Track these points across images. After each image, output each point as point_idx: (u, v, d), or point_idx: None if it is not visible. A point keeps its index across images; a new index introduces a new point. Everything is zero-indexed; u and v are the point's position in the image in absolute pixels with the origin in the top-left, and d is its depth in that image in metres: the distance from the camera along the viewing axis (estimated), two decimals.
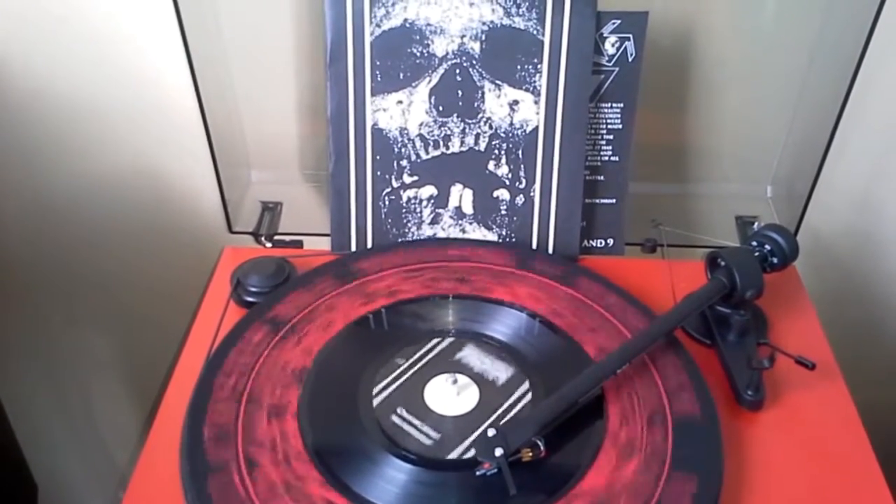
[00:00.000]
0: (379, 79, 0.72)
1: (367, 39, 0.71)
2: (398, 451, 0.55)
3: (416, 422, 0.57)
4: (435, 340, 0.64)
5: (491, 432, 0.53)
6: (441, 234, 0.75)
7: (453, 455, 0.55)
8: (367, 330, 0.66)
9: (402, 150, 0.73)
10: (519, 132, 0.73)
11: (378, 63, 0.71)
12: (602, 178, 0.76)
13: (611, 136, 0.75)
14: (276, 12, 0.78)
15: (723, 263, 0.66)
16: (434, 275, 0.70)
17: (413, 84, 0.72)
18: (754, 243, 0.68)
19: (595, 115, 0.74)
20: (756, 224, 0.81)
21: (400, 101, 0.72)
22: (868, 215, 0.93)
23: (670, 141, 0.84)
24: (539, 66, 0.71)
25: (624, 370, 0.59)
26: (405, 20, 0.70)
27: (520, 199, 0.74)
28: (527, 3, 0.70)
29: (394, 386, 0.60)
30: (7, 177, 0.92)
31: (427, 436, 0.56)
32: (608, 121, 0.74)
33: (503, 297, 0.68)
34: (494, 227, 0.75)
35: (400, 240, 0.75)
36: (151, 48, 0.83)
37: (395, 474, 0.53)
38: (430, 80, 0.72)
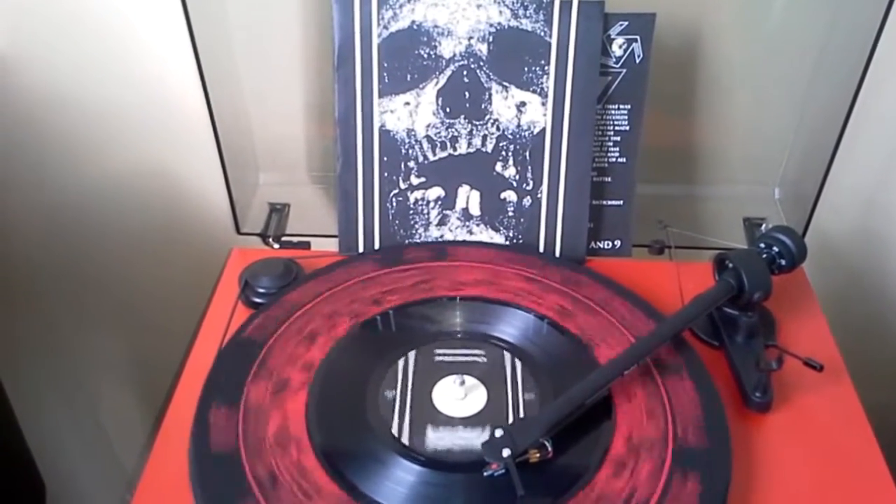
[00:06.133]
0: (386, 80, 0.72)
1: (375, 41, 0.71)
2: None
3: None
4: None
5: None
6: (448, 236, 0.75)
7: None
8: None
9: (410, 151, 0.74)
10: (526, 134, 0.73)
11: (386, 65, 0.71)
12: (609, 179, 0.76)
13: (618, 138, 0.75)
14: (283, 14, 0.78)
15: (731, 265, 0.66)
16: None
17: (420, 86, 0.72)
18: (762, 245, 0.68)
19: (602, 116, 0.74)
20: (764, 226, 0.81)
21: (407, 103, 0.72)
22: (876, 216, 0.92)
23: (678, 142, 0.84)
24: (546, 68, 0.71)
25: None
26: (413, 22, 0.71)
27: (527, 201, 0.74)
28: (534, 5, 0.70)
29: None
30: (16, 178, 0.93)
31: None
32: (615, 122, 0.74)
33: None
34: (501, 228, 0.75)
35: (407, 241, 0.75)
36: (160, 50, 0.83)
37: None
38: (437, 82, 0.72)
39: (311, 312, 0.66)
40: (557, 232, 0.75)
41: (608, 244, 0.77)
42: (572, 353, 0.63)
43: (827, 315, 0.71)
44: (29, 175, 0.92)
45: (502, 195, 0.75)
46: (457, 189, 0.75)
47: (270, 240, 0.80)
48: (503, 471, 0.52)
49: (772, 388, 0.61)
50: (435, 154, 0.74)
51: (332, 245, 0.76)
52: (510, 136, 0.73)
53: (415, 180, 0.74)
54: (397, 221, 0.75)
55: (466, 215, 0.75)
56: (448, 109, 0.73)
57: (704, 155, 0.85)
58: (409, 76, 0.72)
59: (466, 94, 0.72)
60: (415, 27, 0.71)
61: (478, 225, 0.75)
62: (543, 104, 0.72)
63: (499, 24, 0.71)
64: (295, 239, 0.80)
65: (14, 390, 0.96)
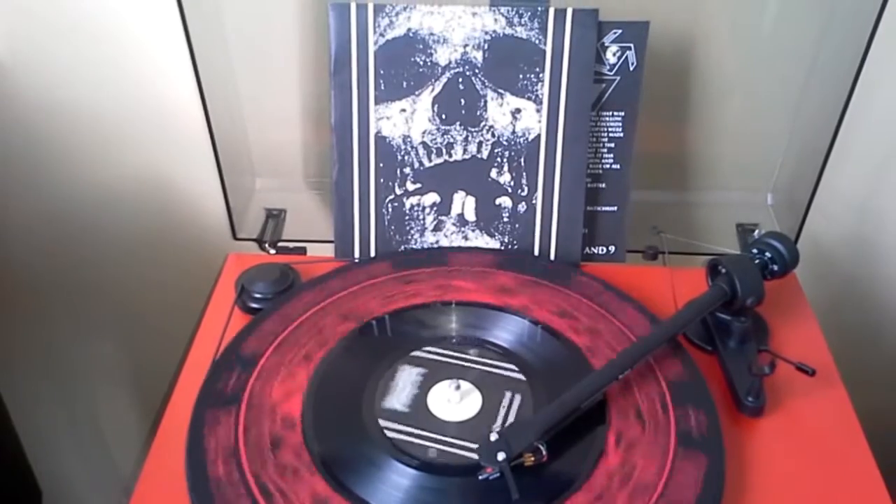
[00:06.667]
0: (382, 87, 0.72)
1: (371, 49, 0.71)
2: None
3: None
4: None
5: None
6: (444, 242, 0.76)
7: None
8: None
9: (406, 157, 0.74)
10: (521, 140, 0.73)
11: (382, 72, 0.72)
12: (603, 185, 0.76)
13: (612, 145, 0.75)
14: (280, 21, 0.79)
15: (724, 271, 0.66)
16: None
17: (416, 93, 0.73)
18: (755, 251, 0.69)
19: (596, 123, 0.74)
20: (757, 231, 0.82)
21: (403, 110, 0.73)
22: (868, 222, 0.93)
23: (671, 149, 0.85)
24: (541, 75, 0.72)
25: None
26: (409, 30, 0.71)
27: (522, 207, 0.75)
28: (529, 13, 0.70)
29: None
30: (13, 184, 0.93)
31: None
32: (609, 129, 0.75)
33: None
34: (497, 234, 0.75)
35: (403, 247, 0.76)
36: (157, 57, 0.83)
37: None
38: (433, 89, 0.73)
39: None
40: (552, 237, 0.75)
41: (602, 250, 0.78)
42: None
43: (819, 320, 0.71)
44: (26, 181, 0.92)
45: (497, 201, 0.75)
46: (452, 195, 0.75)
47: (267, 245, 0.80)
48: (498, 474, 0.52)
49: (764, 393, 0.62)
50: (431, 160, 0.74)
51: (328, 251, 0.76)
52: (505, 143, 0.74)
53: (411, 186, 0.75)
54: (393, 227, 0.75)
55: (462, 221, 0.75)
56: (444, 116, 0.73)
57: (698, 161, 0.85)
58: (405, 83, 0.72)
59: (462, 101, 0.73)
60: (411, 34, 0.71)
61: (473, 231, 0.76)
62: (538, 111, 0.73)
63: (494, 31, 0.71)
64: (291, 244, 0.80)
65: (10, 396, 0.96)
